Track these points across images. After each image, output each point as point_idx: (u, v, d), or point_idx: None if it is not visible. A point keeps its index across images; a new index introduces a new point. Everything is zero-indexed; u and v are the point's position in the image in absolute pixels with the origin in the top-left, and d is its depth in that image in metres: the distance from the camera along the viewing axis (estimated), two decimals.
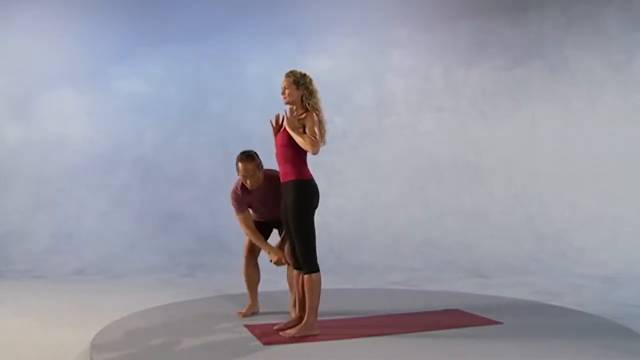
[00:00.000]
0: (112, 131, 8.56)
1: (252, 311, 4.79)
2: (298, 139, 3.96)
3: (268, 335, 3.98)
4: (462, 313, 4.72)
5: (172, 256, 7.86)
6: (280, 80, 9.04)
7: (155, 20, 8.48)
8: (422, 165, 8.51)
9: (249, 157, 4.53)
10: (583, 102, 7.92)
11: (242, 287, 6.11)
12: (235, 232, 8.22)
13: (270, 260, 4.53)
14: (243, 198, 4.60)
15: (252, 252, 4.80)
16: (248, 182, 4.48)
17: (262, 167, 4.57)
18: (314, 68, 8.34)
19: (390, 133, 8.58)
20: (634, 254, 6.96)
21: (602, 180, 7.65)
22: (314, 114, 4.04)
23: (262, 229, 4.70)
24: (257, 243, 4.60)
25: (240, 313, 4.76)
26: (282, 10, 8.55)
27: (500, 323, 4.36)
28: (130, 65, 8.58)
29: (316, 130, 3.97)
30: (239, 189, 4.60)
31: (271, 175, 4.47)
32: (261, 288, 4.98)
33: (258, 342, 3.85)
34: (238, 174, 4.54)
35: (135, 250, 7.94)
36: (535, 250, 7.53)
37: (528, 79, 8.20)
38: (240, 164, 4.51)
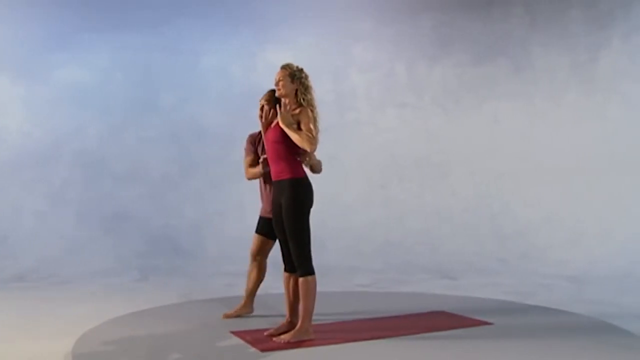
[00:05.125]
0: (51, 124, 8.28)
1: (240, 313, 4.84)
2: (294, 136, 3.98)
3: (262, 342, 3.99)
4: (450, 314, 4.88)
5: (120, 259, 7.68)
6: (236, 72, 9.06)
7: (102, 4, 8.25)
8: (384, 162, 8.67)
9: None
10: (546, 100, 8.28)
11: (207, 293, 6.14)
12: (189, 232, 8.23)
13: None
14: (255, 145, 4.78)
15: (259, 255, 4.87)
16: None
17: None
18: (273, 60, 8.38)
19: (350, 129, 8.69)
20: (596, 253, 7.34)
21: (565, 179, 8.02)
22: (309, 110, 4.07)
23: (266, 231, 4.73)
24: (259, 167, 4.61)
25: (226, 314, 4.84)
26: None
27: (491, 324, 4.54)
28: (73, 53, 8.32)
29: (312, 126, 4.00)
30: (256, 133, 4.79)
31: None
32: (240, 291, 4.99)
33: (253, 349, 3.85)
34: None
35: (79, 253, 7.72)
36: (499, 250, 7.82)
37: (492, 76, 8.50)
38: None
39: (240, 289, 6.33)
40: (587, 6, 8.08)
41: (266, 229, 4.68)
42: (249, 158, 4.77)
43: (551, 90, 8.25)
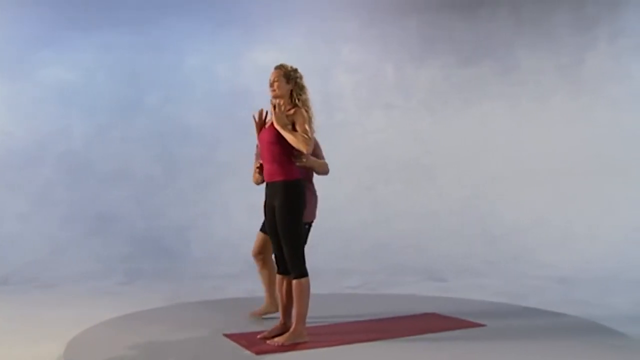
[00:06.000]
0: (35, 124, 8.20)
1: (267, 311, 4.79)
2: (289, 137, 3.97)
3: (257, 345, 3.99)
4: (442, 316, 4.91)
5: (105, 262, 7.61)
6: (222, 72, 9.04)
7: (86, 3, 8.18)
8: (371, 164, 8.69)
9: None
10: (533, 102, 8.37)
11: (195, 295, 6.10)
12: (174, 234, 8.19)
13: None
14: None
15: (261, 253, 4.81)
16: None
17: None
18: (259, 60, 8.48)
19: (338, 130, 8.68)
20: (585, 255, 7.41)
21: (552, 180, 8.11)
22: (304, 110, 4.07)
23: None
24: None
25: (253, 313, 4.81)
26: None
27: (484, 325, 4.57)
28: (57, 51, 8.25)
29: (307, 127, 4.01)
30: None
31: None
32: (232, 294, 4.97)
33: (248, 352, 3.85)
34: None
35: (63, 255, 7.65)
36: (489, 252, 7.86)
37: (479, 78, 8.57)
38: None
39: (227, 291, 6.37)
40: (573, 8, 8.18)
41: None
42: (259, 162, 4.66)
43: (538, 92, 8.34)
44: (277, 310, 4.68)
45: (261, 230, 4.81)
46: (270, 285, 4.80)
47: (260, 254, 4.81)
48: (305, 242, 4.46)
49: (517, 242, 7.88)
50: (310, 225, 4.72)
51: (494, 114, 8.52)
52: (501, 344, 4.07)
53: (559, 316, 4.96)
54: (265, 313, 4.81)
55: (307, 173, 4.68)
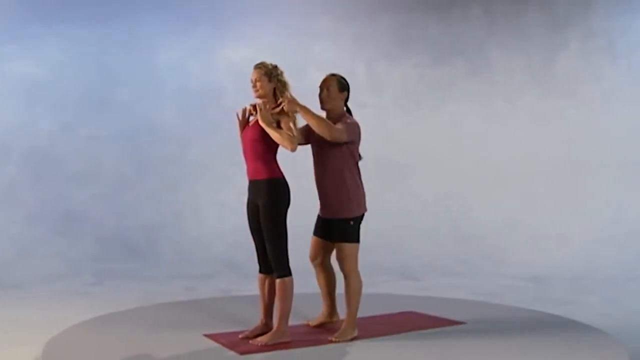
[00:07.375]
0: None
1: (323, 321, 4.53)
2: (274, 135, 3.99)
3: (239, 345, 3.98)
4: (421, 315, 4.97)
5: (72, 263, 7.48)
6: (193, 69, 8.97)
7: None
8: None
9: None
10: (504, 102, 8.52)
11: (167, 296, 6.05)
12: (144, 234, 8.11)
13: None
14: None
15: (316, 259, 4.57)
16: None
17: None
18: (231, 57, 8.45)
19: None
20: (555, 254, 7.58)
21: (523, 180, 8.27)
22: None
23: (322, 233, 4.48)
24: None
25: (308, 322, 4.58)
26: None
27: (464, 323, 4.64)
28: (22, 45, 8.05)
29: (292, 125, 4.03)
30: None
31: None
32: (205, 294, 4.93)
33: (232, 353, 3.84)
34: None
35: (29, 256, 7.48)
36: (461, 252, 7.97)
37: (451, 78, 8.68)
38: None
39: (201, 292, 6.34)
40: (545, 9, 8.35)
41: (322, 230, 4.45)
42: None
43: (509, 93, 8.50)
44: (332, 321, 4.48)
45: (314, 234, 4.56)
46: (328, 294, 4.54)
47: (316, 258, 4.56)
48: (359, 238, 4.38)
49: (490, 242, 8.01)
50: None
51: (466, 114, 8.64)
52: (484, 342, 4.14)
53: (538, 314, 5.06)
54: (323, 323, 4.52)
55: (355, 159, 4.54)
